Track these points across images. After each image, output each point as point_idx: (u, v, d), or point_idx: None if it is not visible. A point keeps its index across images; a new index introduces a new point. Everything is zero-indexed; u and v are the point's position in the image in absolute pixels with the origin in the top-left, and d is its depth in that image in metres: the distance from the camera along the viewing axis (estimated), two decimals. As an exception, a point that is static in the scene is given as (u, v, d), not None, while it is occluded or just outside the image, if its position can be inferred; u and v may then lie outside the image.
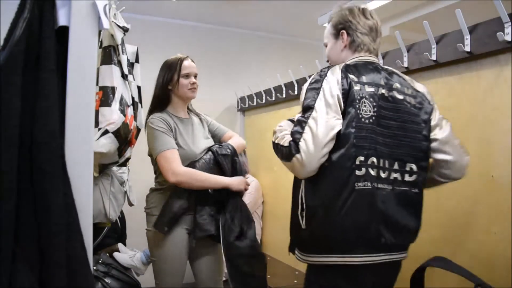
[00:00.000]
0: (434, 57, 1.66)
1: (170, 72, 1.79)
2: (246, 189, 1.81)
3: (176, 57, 1.83)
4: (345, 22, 1.31)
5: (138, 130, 1.99)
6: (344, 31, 1.31)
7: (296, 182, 1.25)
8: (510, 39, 1.36)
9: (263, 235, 3.17)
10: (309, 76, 1.94)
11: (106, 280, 1.61)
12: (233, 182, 1.76)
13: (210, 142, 1.89)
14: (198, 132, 1.86)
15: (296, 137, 1.13)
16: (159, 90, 1.81)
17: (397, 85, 1.25)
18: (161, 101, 1.82)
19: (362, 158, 1.13)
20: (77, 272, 0.74)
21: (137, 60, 2.04)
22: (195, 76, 1.84)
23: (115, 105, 1.59)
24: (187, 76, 1.80)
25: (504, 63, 1.43)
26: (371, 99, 1.17)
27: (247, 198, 3.00)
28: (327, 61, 1.42)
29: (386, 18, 3.31)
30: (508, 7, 1.39)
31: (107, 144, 1.53)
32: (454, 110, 1.62)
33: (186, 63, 1.81)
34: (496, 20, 1.41)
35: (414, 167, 1.21)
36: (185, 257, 1.77)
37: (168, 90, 1.80)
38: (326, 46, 1.41)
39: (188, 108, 1.92)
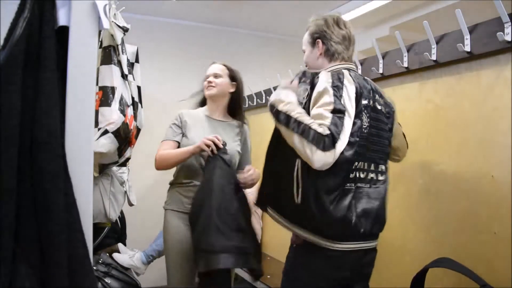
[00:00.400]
0: (434, 57, 1.66)
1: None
2: (207, 144, 1.68)
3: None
4: (320, 31, 1.43)
5: (138, 130, 1.99)
6: (319, 40, 1.43)
7: (290, 157, 1.30)
8: (510, 39, 1.36)
9: (263, 235, 3.17)
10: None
11: (106, 280, 1.62)
12: (197, 145, 1.71)
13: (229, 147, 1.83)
14: (223, 135, 1.83)
15: (336, 132, 1.18)
16: (200, 92, 1.97)
17: (377, 96, 1.40)
18: (200, 102, 1.99)
19: (357, 163, 1.28)
20: (78, 271, 0.74)
21: (137, 60, 2.04)
22: (215, 76, 1.91)
23: (115, 105, 1.60)
24: (207, 77, 1.92)
25: (504, 63, 1.43)
26: (366, 111, 1.31)
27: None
28: (306, 66, 1.53)
29: (386, 18, 3.31)
30: (508, 7, 1.39)
31: (107, 144, 1.54)
32: (454, 110, 1.62)
33: (212, 66, 1.96)
34: (496, 20, 1.41)
35: (383, 167, 1.40)
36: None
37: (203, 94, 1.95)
38: (304, 52, 1.52)
39: (232, 113, 1.98)
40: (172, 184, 1.92)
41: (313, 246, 1.30)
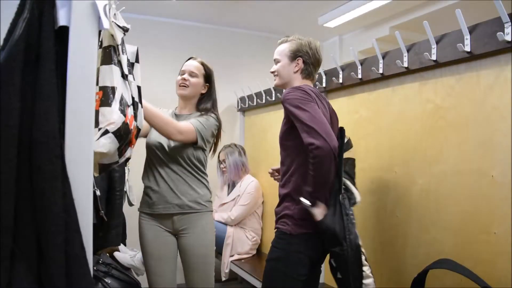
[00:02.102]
0: (434, 57, 1.66)
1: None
2: None
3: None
4: (304, 52, 1.61)
5: (138, 130, 1.98)
6: (301, 58, 1.61)
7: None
8: (510, 39, 1.36)
9: (263, 235, 3.17)
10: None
11: (106, 280, 1.61)
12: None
13: None
14: None
15: None
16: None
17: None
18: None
19: None
20: (76, 272, 0.74)
21: (137, 60, 2.03)
22: (191, 74, 1.84)
23: (115, 105, 1.59)
24: (182, 73, 1.86)
25: (504, 63, 1.43)
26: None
27: (247, 198, 3.01)
28: (274, 73, 1.70)
29: (386, 18, 3.31)
30: (508, 7, 1.39)
31: (107, 144, 1.53)
32: (454, 110, 1.62)
33: (187, 62, 1.88)
34: (496, 20, 1.41)
35: None
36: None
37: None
38: (276, 62, 1.68)
39: (198, 108, 1.90)
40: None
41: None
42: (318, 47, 1.66)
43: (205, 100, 1.92)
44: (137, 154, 2.16)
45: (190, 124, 1.75)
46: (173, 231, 1.80)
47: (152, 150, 1.80)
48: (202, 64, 1.91)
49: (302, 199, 1.44)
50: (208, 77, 1.93)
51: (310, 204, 1.42)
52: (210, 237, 1.83)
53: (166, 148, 1.77)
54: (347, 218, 1.42)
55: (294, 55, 1.62)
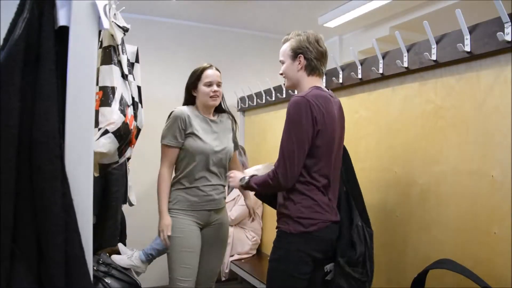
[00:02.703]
0: (434, 57, 1.66)
1: (193, 80, 1.97)
2: (163, 237, 1.90)
3: (200, 66, 1.99)
4: (303, 47, 1.57)
5: (138, 130, 1.99)
6: (301, 55, 1.57)
7: None
8: (510, 39, 1.36)
9: (263, 235, 3.17)
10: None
11: (107, 280, 1.61)
12: (161, 219, 1.90)
13: (229, 143, 2.04)
14: (222, 137, 2.02)
15: None
16: (186, 95, 2.02)
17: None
18: (188, 101, 2.03)
19: None
20: (75, 271, 0.74)
21: (137, 60, 2.04)
22: (218, 85, 1.96)
23: (115, 105, 1.59)
24: (209, 84, 1.94)
25: (504, 63, 1.43)
26: None
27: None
28: (282, 75, 1.66)
29: (386, 18, 3.31)
30: (508, 7, 1.39)
31: (107, 144, 1.53)
32: (454, 110, 1.62)
33: (209, 72, 1.96)
34: (496, 20, 1.41)
35: None
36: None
37: (192, 95, 2.00)
38: (282, 63, 1.64)
39: (218, 110, 2.05)
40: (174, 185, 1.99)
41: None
42: (319, 39, 1.59)
43: (220, 104, 2.06)
44: (137, 154, 2.17)
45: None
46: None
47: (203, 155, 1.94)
48: (218, 70, 2.03)
49: (246, 177, 1.60)
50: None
51: (244, 184, 1.59)
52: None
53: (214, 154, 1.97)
54: (370, 248, 1.60)
55: (295, 53, 1.58)
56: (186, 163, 1.94)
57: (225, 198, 2.10)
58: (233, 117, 2.13)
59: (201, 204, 1.94)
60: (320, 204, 1.49)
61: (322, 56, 1.59)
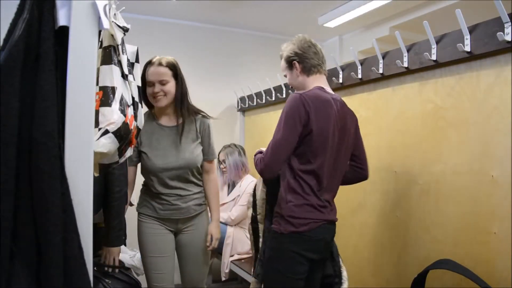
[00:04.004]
0: (434, 57, 1.66)
1: (142, 77, 1.71)
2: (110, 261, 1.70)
3: (148, 61, 1.75)
4: (294, 53, 1.60)
5: (138, 130, 1.99)
6: (295, 61, 1.60)
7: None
8: (510, 39, 1.36)
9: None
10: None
11: (107, 280, 1.62)
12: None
13: (188, 155, 1.78)
14: (184, 145, 1.79)
15: None
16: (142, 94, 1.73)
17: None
18: (147, 105, 1.80)
19: None
20: (74, 272, 0.74)
21: (137, 60, 2.03)
22: (161, 83, 1.72)
23: (115, 105, 1.59)
24: (151, 84, 1.73)
25: (504, 63, 1.43)
26: None
27: (247, 198, 3.00)
28: (291, 87, 1.73)
29: (386, 18, 3.31)
30: (508, 7, 1.39)
31: (107, 144, 1.53)
32: (454, 110, 1.62)
33: (150, 69, 1.72)
34: (496, 20, 1.41)
35: None
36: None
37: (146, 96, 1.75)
38: (286, 77, 1.69)
39: (182, 111, 1.79)
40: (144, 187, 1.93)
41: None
42: (302, 39, 1.61)
43: (180, 100, 1.79)
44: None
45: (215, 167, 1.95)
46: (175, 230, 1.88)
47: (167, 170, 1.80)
48: (167, 64, 1.74)
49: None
50: (176, 75, 1.77)
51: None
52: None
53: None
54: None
55: (290, 62, 1.62)
56: (146, 178, 1.85)
57: (201, 204, 1.89)
58: (206, 118, 1.86)
59: (166, 212, 1.81)
60: (312, 203, 1.48)
61: (314, 54, 1.60)
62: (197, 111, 1.87)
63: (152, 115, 1.84)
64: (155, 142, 1.79)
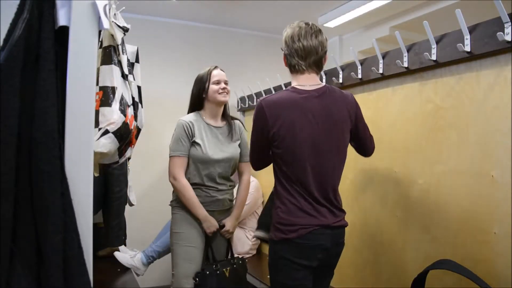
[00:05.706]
0: (434, 57, 1.66)
1: (202, 83, 2.03)
2: (210, 234, 1.96)
3: (205, 70, 2.07)
4: (283, 45, 1.51)
5: (138, 130, 1.99)
6: (284, 55, 1.52)
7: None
8: (510, 39, 1.36)
9: (263, 235, 3.17)
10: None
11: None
12: (205, 220, 1.94)
13: (232, 150, 2.04)
14: (227, 144, 2.05)
15: None
16: (193, 100, 2.07)
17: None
18: (195, 108, 2.07)
19: None
20: (74, 271, 0.74)
21: (137, 60, 2.04)
22: (225, 83, 2.04)
23: (115, 105, 1.59)
24: (217, 82, 2.02)
25: (504, 63, 1.43)
26: None
27: (247, 198, 3.00)
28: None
29: (386, 18, 3.31)
30: (508, 7, 1.39)
31: (107, 144, 1.53)
32: (454, 110, 1.62)
33: (215, 72, 2.06)
34: (496, 20, 1.41)
35: None
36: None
37: (202, 98, 2.03)
38: None
39: (224, 116, 2.09)
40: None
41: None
42: (290, 33, 1.46)
43: (225, 105, 2.11)
44: (137, 154, 2.17)
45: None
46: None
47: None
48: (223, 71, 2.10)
49: None
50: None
51: None
52: None
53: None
54: None
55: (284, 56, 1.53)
56: (191, 169, 1.98)
57: (231, 200, 2.10)
58: (241, 123, 2.17)
59: (203, 204, 1.96)
60: (302, 208, 1.40)
61: (296, 52, 1.45)
62: (233, 117, 2.16)
63: (199, 115, 2.05)
64: (206, 137, 2.00)
